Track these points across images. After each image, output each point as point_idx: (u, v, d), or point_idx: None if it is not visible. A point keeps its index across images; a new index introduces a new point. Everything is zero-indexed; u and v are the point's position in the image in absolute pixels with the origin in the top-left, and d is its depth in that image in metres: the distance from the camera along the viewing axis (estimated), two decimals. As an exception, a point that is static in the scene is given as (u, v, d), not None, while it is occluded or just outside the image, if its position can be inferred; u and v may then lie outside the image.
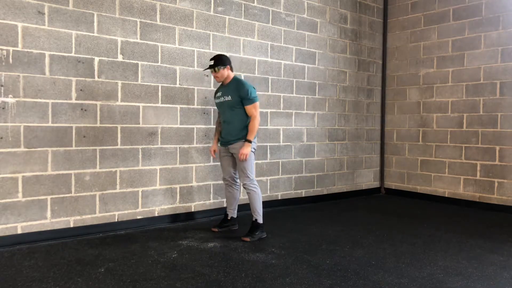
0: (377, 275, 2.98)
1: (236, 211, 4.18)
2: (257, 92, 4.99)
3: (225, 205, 4.55)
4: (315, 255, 3.40)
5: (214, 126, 4.50)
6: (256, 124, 3.78)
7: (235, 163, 3.95)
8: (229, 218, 4.15)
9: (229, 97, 3.82)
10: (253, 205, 3.86)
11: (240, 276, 2.92)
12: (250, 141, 3.77)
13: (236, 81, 3.88)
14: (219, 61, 3.82)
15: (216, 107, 4.20)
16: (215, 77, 3.89)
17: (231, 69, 3.92)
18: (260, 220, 3.88)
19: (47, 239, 3.68)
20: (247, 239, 3.77)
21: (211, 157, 4.64)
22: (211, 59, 3.86)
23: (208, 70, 4.44)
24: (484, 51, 5.42)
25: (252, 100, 3.78)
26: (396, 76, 6.40)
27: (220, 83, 4.01)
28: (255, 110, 3.79)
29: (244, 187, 3.86)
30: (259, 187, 3.90)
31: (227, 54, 4.72)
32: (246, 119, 3.82)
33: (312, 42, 5.59)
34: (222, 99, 3.90)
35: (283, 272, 3.00)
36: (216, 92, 4.03)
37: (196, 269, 3.05)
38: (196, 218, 4.57)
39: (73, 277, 2.86)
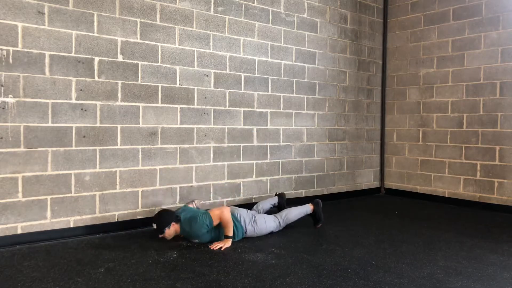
0: (377, 275, 2.98)
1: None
2: (257, 93, 5.01)
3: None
4: (315, 255, 3.40)
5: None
6: (226, 219, 3.62)
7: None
8: None
9: (196, 240, 3.67)
10: (295, 217, 4.22)
11: (240, 276, 2.92)
12: (230, 237, 3.64)
13: (185, 229, 3.63)
14: (161, 224, 3.61)
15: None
16: (165, 238, 3.67)
17: (176, 220, 3.64)
18: (309, 210, 4.29)
19: (47, 239, 3.68)
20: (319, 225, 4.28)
21: (211, 157, 4.65)
22: (153, 222, 3.66)
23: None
24: (484, 51, 5.42)
25: (210, 224, 3.60)
26: (396, 76, 6.40)
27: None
28: (217, 213, 3.62)
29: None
30: (280, 226, 4.11)
31: (227, 55, 4.73)
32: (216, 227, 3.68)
33: (312, 42, 5.59)
34: (195, 241, 3.69)
35: (283, 272, 3.00)
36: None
37: (196, 269, 3.05)
38: (196, 218, 4.57)
39: (73, 277, 2.86)
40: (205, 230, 3.60)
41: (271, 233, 4.03)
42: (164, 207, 4.34)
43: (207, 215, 3.64)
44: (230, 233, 3.65)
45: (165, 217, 3.66)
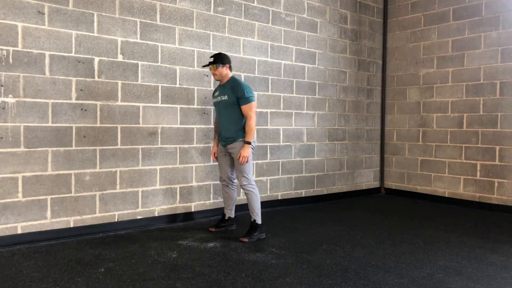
0: (377, 275, 2.98)
1: (233, 211, 4.19)
2: (257, 93, 5.01)
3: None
4: (315, 255, 3.40)
5: (213, 127, 4.50)
6: (252, 125, 3.77)
7: (233, 163, 3.96)
8: (226, 218, 4.15)
9: (226, 96, 3.84)
10: (252, 206, 3.85)
11: (240, 276, 2.92)
12: (249, 143, 3.77)
13: (233, 81, 3.88)
14: (219, 59, 3.86)
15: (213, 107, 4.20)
16: (213, 74, 3.91)
17: (230, 69, 3.93)
18: (259, 221, 3.87)
19: (47, 239, 3.68)
20: (245, 239, 3.75)
21: (211, 157, 4.64)
22: (211, 56, 3.89)
23: (208, 68, 4.43)
24: (484, 51, 5.42)
25: (247, 100, 3.77)
26: (396, 76, 6.40)
27: (218, 83, 4.01)
28: (251, 110, 3.78)
29: (242, 188, 3.85)
30: (257, 188, 3.89)
31: (228, 54, 4.72)
32: (243, 118, 3.83)
33: (312, 42, 5.59)
34: (219, 98, 3.91)
35: (283, 272, 3.00)
36: (214, 91, 4.04)
37: (196, 269, 3.05)
38: (196, 218, 4.57)
39: (73, 277, 2.86)
40: (247, 91, 3.76)
41: (246, 178, 3.82)
42: (164, 207, 4.34)
43: (253, 97, 3.80)
44: (251, 139, 3.76)
45: (225, 57, 3.88)
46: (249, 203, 3.86)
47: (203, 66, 4.00)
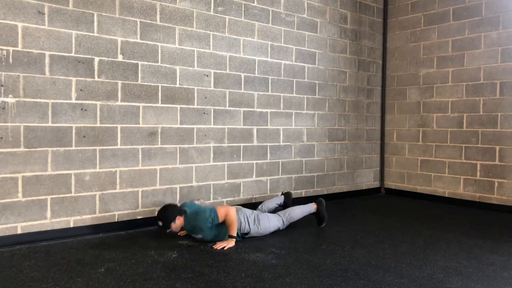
0: (377, 275, 2.98)
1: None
2: (257, 93, 5.01)
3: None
4: (315, 255, 3.40)
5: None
6: (230, 218, 3.63)
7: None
8: None
9: (199, 235, 3.67)
10: (299, 216, 4.25)
11: (240, 276, 2.92)
12: (234, 237, 3.66)
13: (188, 223, 3.68)
14: (166, 220, 3.64)
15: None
16: (172, 232, 3.73)
17: (180, 213, 3.70)
18: (312, 209, 4.32)
19: (47, 239, 3.68)
20: (323, 224, 4.31)
21: (211, 157, 4.65)
22: (158, 220, 3.68)
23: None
24: (484, 51, 5.42)
25: (215, 220, 3.61)
26: (396, 76, 6.40)
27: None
28: (223, 211, 3.63)
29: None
30: (283, 224, 4.13)
31: (227, 55, 4.73)
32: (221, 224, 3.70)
33: (312, 42, 5.59)
34: (195, 236, 3.72)
35: (283, 272, 3.00)
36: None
37: (196, 269, 3.05)
38: (196, 218, 4.57)
39: (73, 277, 2.86)
40: (209, 225, 3.60)
41: (277, 230, 4.05)
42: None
43: (213, 211, 3.65)
44: (234, 233, 3.65)
45: (169, 211, 3.67)
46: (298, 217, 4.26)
47: (159, 229, 3.78)
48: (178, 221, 3.68)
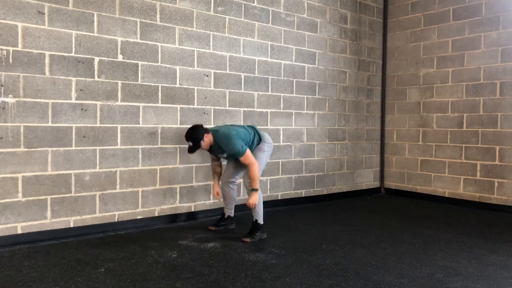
0: (377, 275, 2.98)
1: (233, 210, 4.23)
2: (257, 93, 5.01)
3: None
4: (315, 255, 3.40)
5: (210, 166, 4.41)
6: (254, 171, 3.71)
7: (238, 166, 4.01)
8: (226, 217, 4.19)
9: (224, 154, 3.86)
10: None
11: (240, 276, 2.92)
12: (256, 190, 3.73)
13: (219, 140, 3.79)
14: (196, 139, 3.72)
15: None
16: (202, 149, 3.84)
17: (207, 131, 3.80)
18: (261, 221, 3.87)
19: (47, 239, 3.68)
20: (248, 240, 3.75)
21: (211, 157, 4.64)
22: (187, 140, 3.76)
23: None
24: (484, 51, 5.42)
25: (239, 153, 3.70)
26: (396, 76, 6.40)
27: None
28: (247, 159, 3.71)
29: (246, 188, 3.87)
30: (260, 189, 3.89)
31: (227, 55, 4.73)
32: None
33: (312, 42, 5.59)
34: (219, 156, 3.97)
35: (283, 272, 3.00)
36: (209, 150, 3.99)
37: (196, 269, 3.05)
38: (196, 218, 4.57)
39: (73, 277, 2.86)
40: (237, 150, 3.67)
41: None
42: (164, 207, 4.34)
43: (244, 149, 3.70)
44: (257, 186, 3.72)
45: (197, 131, 3.76)
46: None
47: (189, 152, 3.82)
48: (207, 139, 3.77)
